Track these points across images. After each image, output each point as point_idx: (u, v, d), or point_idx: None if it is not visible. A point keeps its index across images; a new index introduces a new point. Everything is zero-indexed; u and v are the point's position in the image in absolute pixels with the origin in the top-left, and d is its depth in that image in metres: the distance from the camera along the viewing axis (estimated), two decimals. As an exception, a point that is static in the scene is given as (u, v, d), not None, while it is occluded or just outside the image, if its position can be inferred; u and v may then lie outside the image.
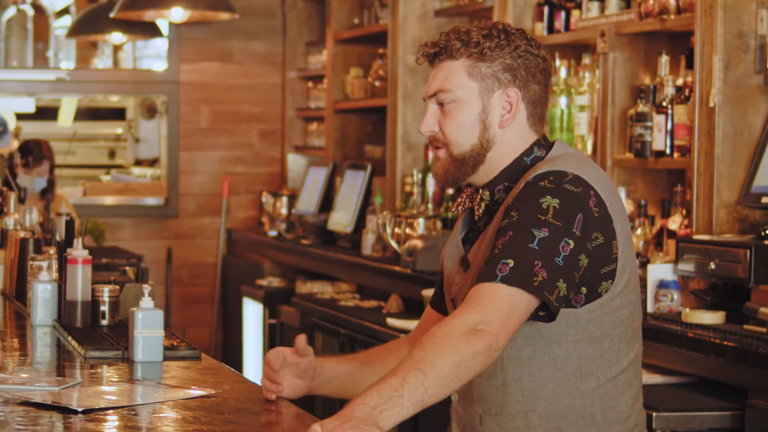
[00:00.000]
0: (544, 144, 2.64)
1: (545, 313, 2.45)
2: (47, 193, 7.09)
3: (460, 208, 2.71)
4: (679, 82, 4.68)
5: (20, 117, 9.19)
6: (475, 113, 2.59)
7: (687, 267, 4.15)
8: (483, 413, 2.61)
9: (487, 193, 2.63)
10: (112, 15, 7.38)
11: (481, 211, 2.64)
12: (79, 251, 3.60)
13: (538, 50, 2.61)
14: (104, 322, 3.58)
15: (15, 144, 8.26)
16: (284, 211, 7.75)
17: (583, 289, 2.50)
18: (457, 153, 2.60)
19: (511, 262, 2.39)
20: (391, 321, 5.41)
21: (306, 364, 2.69)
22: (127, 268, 4.40)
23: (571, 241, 2.43)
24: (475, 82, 2.58)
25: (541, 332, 2.53)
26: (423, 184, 6.25)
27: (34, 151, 7.33)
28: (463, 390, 2.65)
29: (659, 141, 4.65)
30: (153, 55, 9.30)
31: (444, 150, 2.61)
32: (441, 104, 2.61)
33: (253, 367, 7.52)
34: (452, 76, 2.59)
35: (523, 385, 2.56)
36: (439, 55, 2.62)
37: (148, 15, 7.40)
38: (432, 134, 2.62)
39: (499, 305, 2.37)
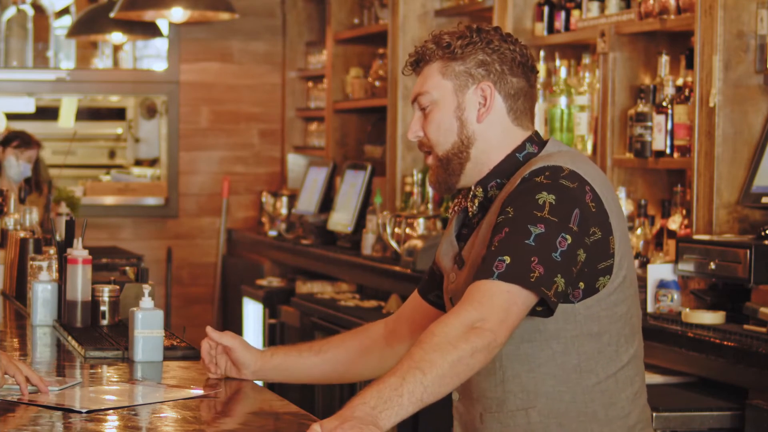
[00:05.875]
0: (537, 141, 2.65)
1: (543, 308, 2.45)
2: (47, 194, 7.09)
3: (457, 208, 2.73)
4: (679, 82, 4.68)
5: (20, 117, 9.17)
6: (451, 111, 2.62)
7: (687, 267, 4.15)
8: (483, 411, 2.61)
9: (480, 189, 2.64)
10: (112, 15, 7.38)
11: (474, 208, 2.65)
12: (79, 251, 3.60)
13: (515, 45, 2.62)
14: (104, 322, 3.59)
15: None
16: (284, 211, 7.75)
17: (581, 284, 2.50)
18: (441, 153, 2.63)
19: (507, 259, 2.40)
20: (391, 321, 5.40)
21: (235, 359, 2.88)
22: (127, 268, 4.40)
23: (568, 236, 2.43)
24: (449, 81, 2.61)
25: (539, 328, 2.53)
26: (423, 184, 6.25)
27: (24, 137, 7.33)
28: (462, 388, 2.65)
29: (659, 141, 4.65)
30: (153, 55, 9.30)
31: (431, 154, 2.65)
32: (423, 109, 2.64)
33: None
34: (428, 78, 2.64)
35: (522, 381, 2.56)
36: (419, 62, 2.67)
37: (148, 15, 7.40)
38: (418, 139, 2.66)
39: (496, 302, 2.37)
